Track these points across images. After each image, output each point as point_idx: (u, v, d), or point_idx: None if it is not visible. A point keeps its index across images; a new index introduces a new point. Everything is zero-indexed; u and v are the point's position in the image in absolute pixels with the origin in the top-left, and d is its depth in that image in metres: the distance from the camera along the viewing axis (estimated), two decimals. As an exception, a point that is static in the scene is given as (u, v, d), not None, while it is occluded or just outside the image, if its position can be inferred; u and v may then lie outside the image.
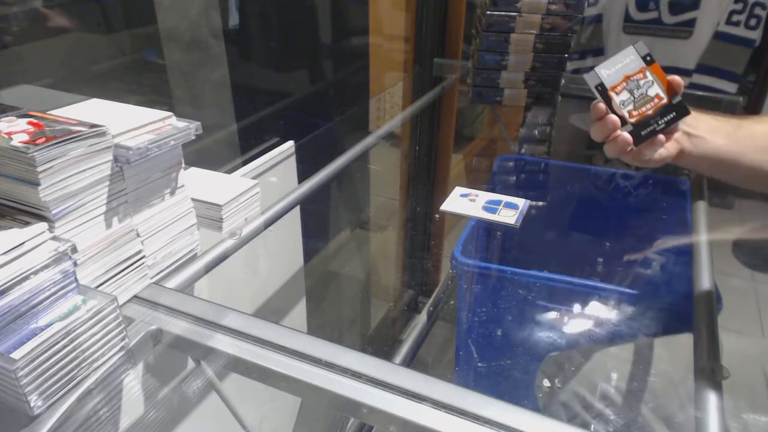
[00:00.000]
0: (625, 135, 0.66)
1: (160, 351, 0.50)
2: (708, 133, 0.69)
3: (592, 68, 0.66)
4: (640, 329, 0.95)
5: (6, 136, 0.42)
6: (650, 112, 0.66)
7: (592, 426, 0.73)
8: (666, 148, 0.68)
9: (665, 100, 0.66)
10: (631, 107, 0.66)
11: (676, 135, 0.68)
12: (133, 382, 0.54)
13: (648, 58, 0.67)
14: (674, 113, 0.66)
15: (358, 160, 0.94)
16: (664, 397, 0.72)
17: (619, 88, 0.66)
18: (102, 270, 0.49)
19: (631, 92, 0.66)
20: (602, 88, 0.66)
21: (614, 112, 0.66)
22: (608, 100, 0.66)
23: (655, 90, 0.66)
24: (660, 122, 0.66)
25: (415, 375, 0.43)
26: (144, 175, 0.51)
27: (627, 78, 0.66)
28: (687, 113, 0.66)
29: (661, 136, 0.66)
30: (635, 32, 1.46)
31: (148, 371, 0.56)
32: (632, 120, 0.66)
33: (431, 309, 1.26)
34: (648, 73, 0.67)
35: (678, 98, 0.66)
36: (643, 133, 0.66)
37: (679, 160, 0.70)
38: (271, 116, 1.18)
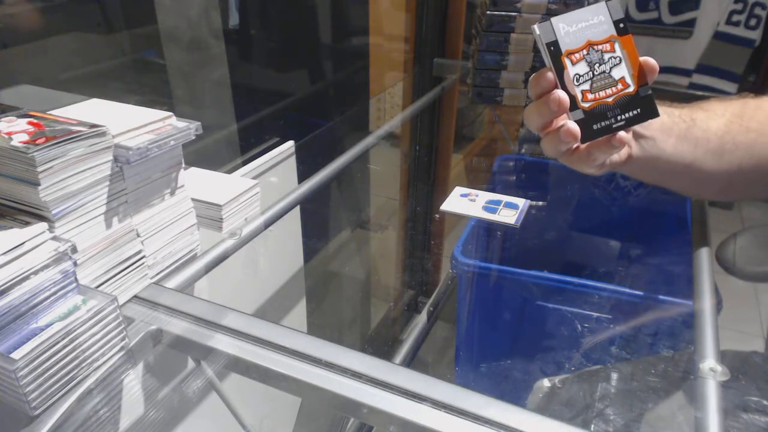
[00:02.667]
0: (571, 126, 0.47)
1: (160, 351, 0.50)
2: (660, 133, 0.54)
3: (546, 18, 0.47)
4: (640, 329, 0.95)
5: (6, 136, 0.42)
6: (610, 100, 0.48)
7: (592, 426, 0.73)
8: (618, 153, 0.52)
9: (631, 89, 0.48)
10: (587, 87, 0.48)
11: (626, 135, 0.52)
12: (133, 382, 0.54)
13: (621, 26, 0.48)
14: (639, 110, 0.49)
15: (358, 160, 0.94)
16: (664, 397, 0.72)
17: (577, 55, 0.47)
18: (102, 270, 0.49)
19: (591, 66, 0.48)
20: (555, 50, 0.47)
21: (563, 89, 0.48)
22: (559, 69, 0.47)
23: (622, 72, 0.48)
24: (619, 118, 0.48)
25: (415, 375, 0.43)
26: (144, 175, 0.51)
27: (590, 45, 0.47)
28: (655, 114, 0.49)
29: (623, 135, 0.48)
30: (635, 32, 1.46)
31: (148, 371, 0.56)
32: (585, 105, 0.48)
33: (431, 309, 1.26)
34: (617, 47, 0.48)
35: (648, 91, 0.49)
36: (595, 126, 0.48)
37: (624, 166, 0.55)
38: (271, 116, 1.18)
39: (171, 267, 0.57)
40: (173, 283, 0.56)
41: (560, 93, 0.47)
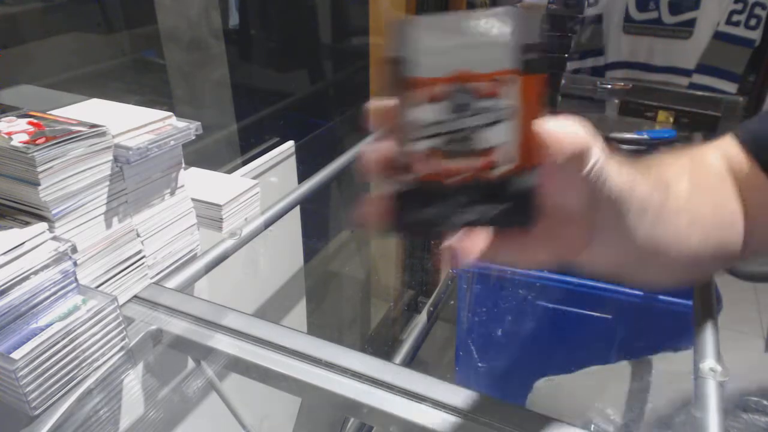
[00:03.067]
0: (374, 208, 0.28)
1: (160, 351, 0.50)
2: (637, 215, 0.33)
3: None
4: (640, 329, 0.95)
5: (6, 136, 0.42)
6: (467, 176, 0.26)
7: (592, 426, 0.73)
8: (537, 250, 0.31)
9: (506, 168, 0.26)
10: (436, 143, 0.26)
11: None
12: (133, 382, 0.54)
13: (529, 58, 0.25)
14: (506, 206, 0.27)
15: (359, 160, 0.94)
16: (664, 397, 0.72)
17: (438, 90, 0.25)
18: (102, 270, 0.49)
19: (456, 112, 0.26)
20: (405, 72, 0.26)
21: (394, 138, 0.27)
22: (404, 104, 0.26)
23: (502, 136, 0.26)
24: (471, 210, 0.27)
25: (415, 375, 0.43)
26: (144, 175, 0.51)
27: (464, 77, 0.25)
28: (529, 222, 0.27)
29: (484, 236, 0.29)
30: (635, 32, 1.46)
31: (148, 371, 0.56)
32: (419, 174, 0.26)
33: (431, 309, 1.26)
34: (510, 92, 0.25)
35: (529, 181, 0.26)
36: (424, 213, 0.27)
37: (576, 258, 0.33)
38: (271, 116, 1.18)
39: (171, 267, 0.57)
40: (173, 283, 0.56)
41: (373, 153, 0.28)
